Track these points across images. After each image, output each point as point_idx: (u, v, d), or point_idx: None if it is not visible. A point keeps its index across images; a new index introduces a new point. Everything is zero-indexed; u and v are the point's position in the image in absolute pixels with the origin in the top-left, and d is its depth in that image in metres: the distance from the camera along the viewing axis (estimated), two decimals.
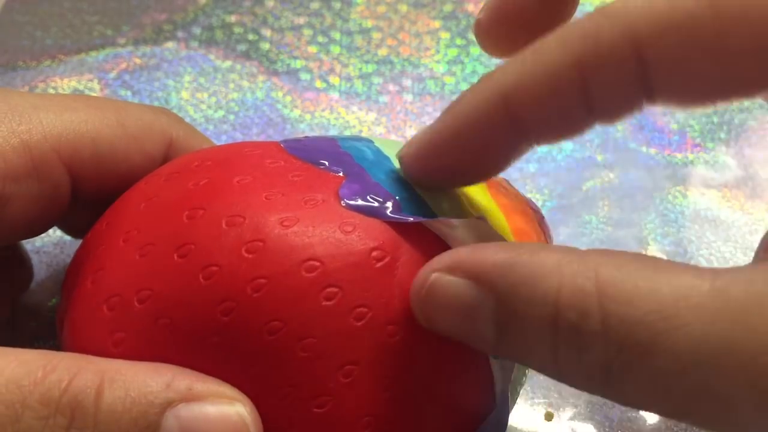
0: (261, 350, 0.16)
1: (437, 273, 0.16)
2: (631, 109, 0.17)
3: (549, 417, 0.24)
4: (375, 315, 0.16)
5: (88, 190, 0.20)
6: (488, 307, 0.15)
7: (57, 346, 0.24)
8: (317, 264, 0.16)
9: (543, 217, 0.22)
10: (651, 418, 0.24)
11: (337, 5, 0.37)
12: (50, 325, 0.25)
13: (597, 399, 0.24)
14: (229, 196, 0.17)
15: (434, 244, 0.17)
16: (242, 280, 0.16)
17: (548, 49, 0.16)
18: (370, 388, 0.16)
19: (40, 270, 0.26)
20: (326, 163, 0.18)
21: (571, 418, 0.24)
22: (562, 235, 0.29)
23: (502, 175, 0.20)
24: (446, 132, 0.17)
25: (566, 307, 0.14)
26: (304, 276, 0.16)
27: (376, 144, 0.20)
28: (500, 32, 0.19)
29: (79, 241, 0.27)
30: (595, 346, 0.14)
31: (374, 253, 0.16)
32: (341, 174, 0.18)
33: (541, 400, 0.24)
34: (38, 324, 0.25)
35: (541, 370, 0.15)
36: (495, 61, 0.36)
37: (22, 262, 0.24)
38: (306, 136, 0.20)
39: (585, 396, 0.24)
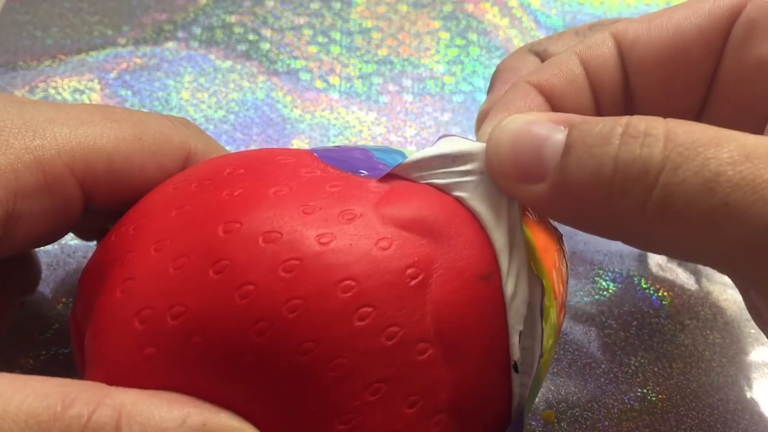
0: (292, 370, 0.15)
1: (519, 113, 0.17)
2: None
3: (549, 417, 0.24)
4: (406, 333, 0.16)
5: (101, 202, 0.20)
6: (560, 135, 0.16)
7: (69, 353, 0.24)
8: (353, 284, 0.16)
9: (562, 237, 0.22)
10: (650, 418, 0.24)
11: (337, 5, 0.37)
12: (57, 330, 0.25)
13: (597, 399, 0.24)
14: (266, 209, 0.16)
15: (467, 258, 0.17)
16: (278, 301, 0.15)
17: (559, 55, 0.20)
18: (396, 405, 0.16)
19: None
20: (365, 172, 0.18)
21: (571, 418, 0.24)
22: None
23: None
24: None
25: (636, 119, 0.15)
26: (339, 296, 0.16)
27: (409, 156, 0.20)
28: None
29: (78, 242, 0.27)
30: (656, 143, 0.15)
31: (409, 271, 0.16)
32: (381, 184, 0.18)
33: (541, 400, 0.24)
34: (42, 327, 0.25)
35: (593, 194, 0.16)
36: (495, 61, 0.36)
37: (31, 263, 0.24)
38: (337, 146, 0.20)
39: (585, 396, 0.24)
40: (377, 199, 0.17)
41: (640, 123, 0.15)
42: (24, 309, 0.25)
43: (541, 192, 0.16)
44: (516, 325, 0.18)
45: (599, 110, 0.20)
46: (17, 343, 0.24)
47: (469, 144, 0.18)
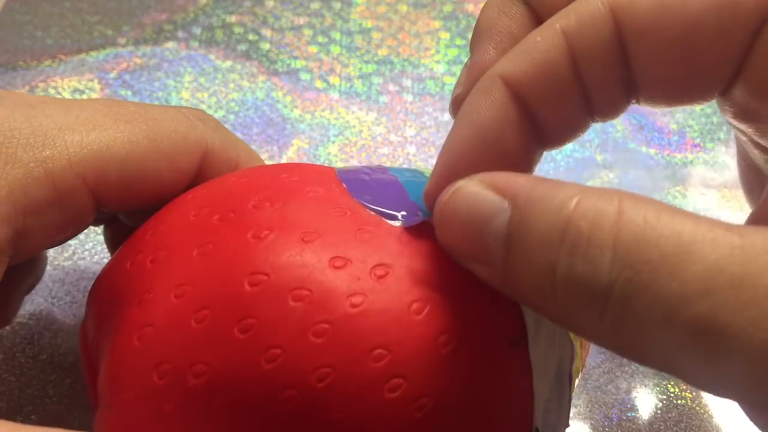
0: None
1: (466, 181, 0.15)
2: (619, 100, 0.18)
3: None
4: (435, 404, 0.15)
5: (113, 206, 0.19)
6: (503, 218, 0.14)
7: (68, 354, 0.24)
8: (385, 353, 0.15)
9: None
10: (650, 418, 0.24)
11: (337, 5, 0.37)
12: (56, 331, 0.25)
13: (597, 399, 0.24)
14: (293, 259, 0.16)
15: (497, 322, 0.16)
16: (307, 369, 0.15)
17: (541, 32, 0.17)
18: None
19: None
20: (396, 214, 0.17)
21: (571, 418, 0.24)
22: None
23: None
24: (465, 145, 0.17)
25: (579, 217, 0.13)
26: (370, 366, 0.15)
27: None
28: None
29: (77, 241, 0.27)
30: (601, 260, 0.13)
31: (441, 338, 0.15)
32: (410, 236, 0.17)
33: None
34: (41, 329, 0.25)
35: (538, 298, 0.14)
36: None
37: (36, 256, 0.23)
38: (364, 171, 0.19)
39: (585, 396, 0.24)
40: (408, 254, 0.16)
41: (584, 224, 0.13)
42: (24, 309, 0.25)
43: (489, 275, 0.15)
44: (542, 391, 0.17)
45: (588, 102, 0.18)
46: (17, 343, 0.24)
47: None
